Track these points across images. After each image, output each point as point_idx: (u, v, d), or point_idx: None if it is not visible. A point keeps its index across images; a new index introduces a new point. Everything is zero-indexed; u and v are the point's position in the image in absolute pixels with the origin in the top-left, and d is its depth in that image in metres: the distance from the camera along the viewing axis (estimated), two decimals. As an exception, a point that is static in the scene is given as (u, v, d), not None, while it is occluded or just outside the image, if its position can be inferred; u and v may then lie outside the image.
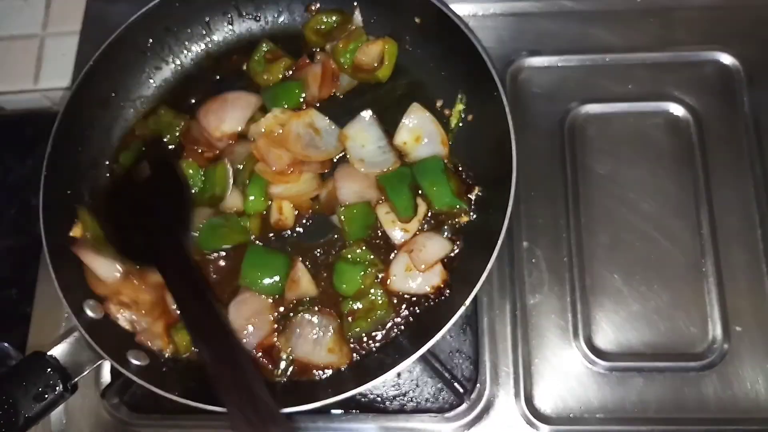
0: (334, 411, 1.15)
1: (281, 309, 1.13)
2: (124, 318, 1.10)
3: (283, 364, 1.09)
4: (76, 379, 1.03)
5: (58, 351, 1.03)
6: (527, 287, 1.20)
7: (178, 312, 1.02)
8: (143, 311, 1.11)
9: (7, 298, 1.36)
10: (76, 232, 1.18)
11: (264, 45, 1.28)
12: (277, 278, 1.11)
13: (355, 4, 1.28)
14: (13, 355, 1.24)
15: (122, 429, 1.18)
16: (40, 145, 1.41)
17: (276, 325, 1.11)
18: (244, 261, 1.13)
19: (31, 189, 1.38)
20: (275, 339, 1.10)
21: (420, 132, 1.19)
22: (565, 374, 1.15)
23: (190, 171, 1.20)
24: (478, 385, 1.14)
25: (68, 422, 1.19)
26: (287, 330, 1.08)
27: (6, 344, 1.24)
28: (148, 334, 1.10)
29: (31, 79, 1.47)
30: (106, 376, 1.21)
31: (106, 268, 1.12)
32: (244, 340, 1.09)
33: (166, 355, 1.11)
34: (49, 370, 1.00)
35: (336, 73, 1.24)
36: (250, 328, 1.09)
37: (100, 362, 1.04)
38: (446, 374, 1.14)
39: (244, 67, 1.30)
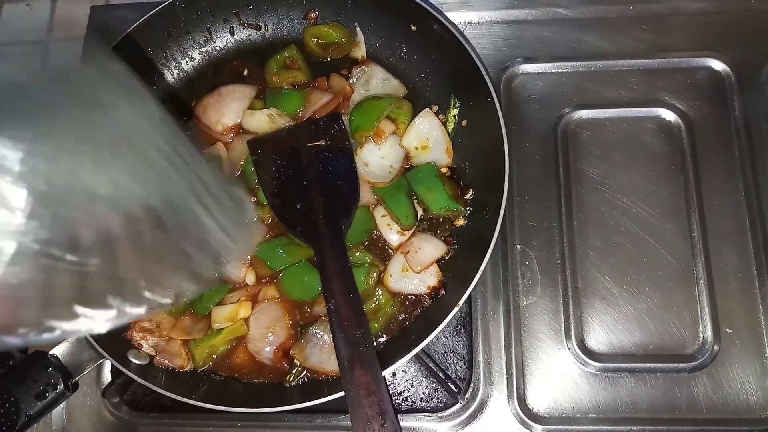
0: (330, 410, 1.16)
1: (298, 317, 1.15)
2: (147, 344, 1.12)
3: (295, 371, 1.11)
4: (77, 378, 1.05)
5: (59, 350, 1.04)
6: (521, 289, 1.23)
7: (325, 298, 1.03)
8: (165, 332, 1.13)
9: None
10: None
11: (289, 50, 1.30)
12: (313, 294, 1.14)
13: (356, 24, 1.32)
14: (15, 355, 1.25)
15: (122, 427, 1.20)
16: None
17: (293, 331, 1.13)
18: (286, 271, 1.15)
19: None
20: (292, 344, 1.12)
21: (428, 138, 1.21)
22: (558, 375, 1.17)
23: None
24: (472, 385, 1.16)
25: (69, 420, 1.22)
26: (303, 340, 1.10)
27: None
28: (167, 354, 1.12)
29: None
30: (106, 375, 1.23)
31: None
32: (265, 347, 1.11)
33: (187, 370, 1.13)
34: (50, 368, 1.02)
35: (343, 104, 1.26)
36: (270, 336, 1.12)
37: (100, 361, 1.06)
38: (441, 374, 1.16)
39: (245, 73, 1.33)
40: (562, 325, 1.20)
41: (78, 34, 1.49)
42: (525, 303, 1.22)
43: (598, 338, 1.19)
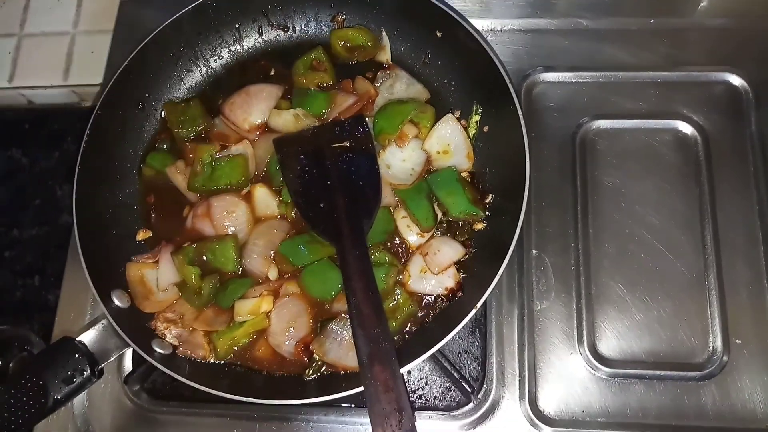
0: (345, 404, 1.20)
1: (318, 313, 1.17)
2: (171, 335, 1.15)
3: (314, 365, 1.13)
4: (102, 365, 1.08)
5: (86, 337, 1.08)
6: (535, 293, 1.25)
7: (346, 295, 1.05)
8: (188, 323, 1.16)
9: (30, 286, 1.42)
10: (141, 236, 1.25)
11: (316, 52, 1.32)
12: (333, 293, 1.16)
13: (382, 29, 1.34)
14: (35, 342, 1.29)
15: (142, 415, 1.23)
16: (67, 139, 1.52)
17: (313, 326, 1.16)
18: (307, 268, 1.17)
19: (57, 180, 1.48)
20: (312, 339, 1.14)
21: (449, 143, 1.24)
22: (569, 378, 1.20)
23: (205, 157, 1.24)
24: (484, 385, 1.19)
25: (90, 406, 1.25)
26: (323, 335, 1.13)
27: (27, 330, 1.29)
28: (190, 345, 1.14)
29: (61, 75, 1.53)
30: (128, 363, 1.26)
31: (169, 275, 1.17)
32: (286, 341, 1.13)
33: (209, 361, 1.16)
34: (77, 354, 1.05)
35: (367, 107, 1.28)
36: (291, 330, 1.14)
37: (125, 349, 1.09)
38: (455, 374, 1.18)
39: (272, 72, 1.36)
40: (575, 330, 1.22)
41: (105, 28, 1.53)
42: (539, 307, 1.24)
43: (609, 344, 1.21)
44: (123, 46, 1.48)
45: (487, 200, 1.22)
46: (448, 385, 1.21)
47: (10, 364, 1.28)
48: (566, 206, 1.30)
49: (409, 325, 1.17)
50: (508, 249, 1.07)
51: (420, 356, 1.03)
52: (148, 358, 1.08)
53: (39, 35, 1.58)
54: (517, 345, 1.21)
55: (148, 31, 1.28)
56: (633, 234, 1.27)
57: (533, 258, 1.27)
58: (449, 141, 1.24)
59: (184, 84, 1.36)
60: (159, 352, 1.11)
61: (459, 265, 1.19)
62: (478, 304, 1.04)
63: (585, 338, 1.22)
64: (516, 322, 1.23)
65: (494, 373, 1.20)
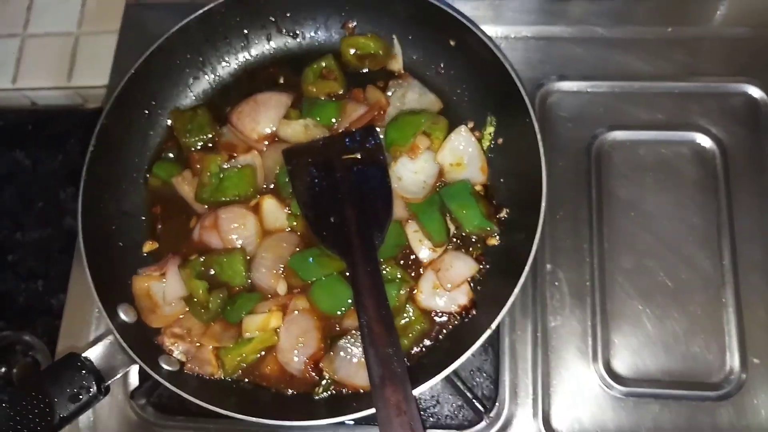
0: (355, 422, 1.17)
1: (328, 329, 1.15)
2: (178, 351, 1.13)
3: (324, 383, 1.11)
4: (109, 382, 1.06)
5: (92, 353, 1.06)
6: (549, 309, 1.23)
7: (357, 313, 1.03)
8: (195, 338, 1.14)
9: (33, 290, 1.40)
10: (147, 247, 1.23)
11: (326, 60, 1.30)
12: (343, 308, 1.14)
13: (394, 37, 1.31)
14: (38, 347, 1.29)
15: (148, 429, 1.21)
16: (70, 141, 1.50)
17: (323, 343, 1.13)
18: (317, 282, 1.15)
19: (60, 183, 1.46)
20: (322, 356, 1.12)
21: (462, 156, 1.21)
22: (583, 397, 1.17)
23: (213, 167, 1.21)
24: (497, 403, 1.17)
25: (96, 420, 1.23)
26: (333, 352, 1.11)
27: (30, 335, 1.29)
28: (198, 361, 1.12)
29: (65, 76, 1.50)
30: (134, 377, 1.24)
31: (176, 289, 1.15)
32: (295, 358, 1.11)
33: (217, 378, 1.14)
34: (84, 371, 1.04)
35: (378, 117, 1.26)
36: (300, 346, 1.12)
37: (132, 366, 1.07)
38: (467, 392, 1.16)
39: (281, 80, 1.33)
40: (589, 347, 1.20)
41: (108, 29, 1.50)
42: (553, 324, 1.22)
43: (624, 362, 1.19)
44: (129, 49, 1.45)
45: (501, 215, 1.20)
46: (459, 403, 1.19)
47: (14, 370, 1.29)
48: (581, 220, 1.27)
49: (420, 343, 1.14)
50: (524, 266, 1.05)
51: (433, 378, 1.01)
52: (156, 376, 1.06)
53: (42, 35, 1.55)
54: (530, 362, 1.19)
55: (155, 35, 1.25)
56: (649, 249, 1.24)
57: (547, 273, 1.25)
58: (462, 153, 1.22)
59: (191, 91, 1.33)
60: (166, 369, 1.09)
61: (472, 281, 1.16)
62: (493, 325, 1.02)
63: (599, 355, 1.19)
64: (529, 338, 1.21)
65: (507, 391, 1.17)
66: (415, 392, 0.99)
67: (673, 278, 1.22)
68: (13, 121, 1.54)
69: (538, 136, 1.11)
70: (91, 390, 1.03)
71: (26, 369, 1.30)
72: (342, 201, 1.15)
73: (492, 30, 1.39)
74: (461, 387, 1.16)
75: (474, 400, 1.15)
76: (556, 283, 1.24)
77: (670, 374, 1.18)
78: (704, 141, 1.30)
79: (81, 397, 1.02)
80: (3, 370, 1.29)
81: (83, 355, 1.05)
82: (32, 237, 1.44)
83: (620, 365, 1.19)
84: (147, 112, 1.29)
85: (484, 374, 1.20)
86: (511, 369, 1.19)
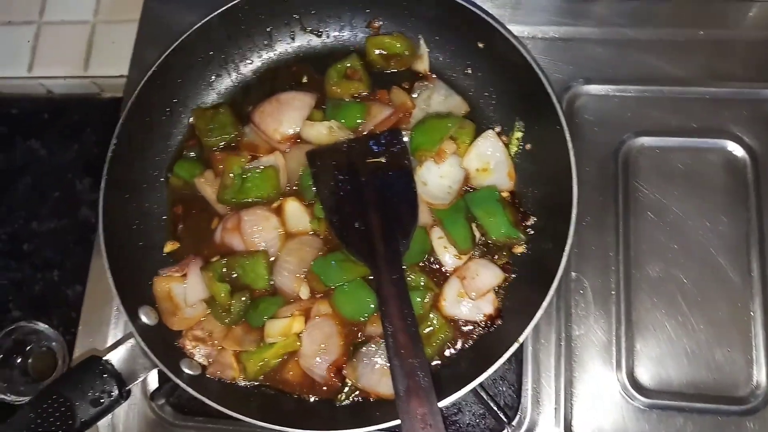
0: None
1: (351, 335, 1.13)
2: (200, 354, 1.12)
3: (346, 390, 1.10)
4: (130, 386, 1.05)
5: (114, 357, 1.05)
6: (573, 318, 1.21)
7: (382, 322, 1.01)
8: (217, 341, 1.12)
9: (48, 280, 1.39)
10: (168, 248, 1.21)
11: (351, 60, 1.27)
12: (366, 314, 1.13)
13: (420, 37, 1.28)
14: (53, 337, 1.28)
15: (167, 429, 1.21)
16: (86, 131, 1.49)
17: (345, 349, 1.12)
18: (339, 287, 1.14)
19: (76, 173, 1.46)
20: (344, 363, 1.11)
21: (489, 161, 1.19)
22: (606, 408, 1.16)
23: (235, 168, 1.20)
24: (519, 412, 1.16)
25: (114, 419, 1.22)
26: (355, 359, 1.09)
27: (46, 326, 1.28)
28: (219, 365, 1.11)
29: (81, 65, 1.49)
30: (153, 377, 1.23)
31: (198, 291, 1.14)
32: (317, 364, 1.10)
33: (238, 383, 1.12)
34: (105, 375, 1.03)
35: (403, 119, 1.24)
36: (323, 352, 1.10)
37: (153, 369, 1.06)
38: (489, 401, 1.15)
39: (304, 79, 1.31)
40: (613, 357, 1.18)
41: (125, 17, 1.48)
42: (577, 332, 1.20)
43: (648, 373, 1.17)
44: (148, 41, 1.43)
45: (529, 222, 1.17)
46: (482, 411, 1.17)
47: (29, 360, 1.29)
48: (607, 227, 1.25)
49: (444, 352, 1.13)
50: (553, 277, 1.03)
51: (459, 391, 0.99)
52: (178, 381, 1.05)
53: (58, 23, 1.54)
54: (553, 371, 1.18)
55: (174, 27, 1.24)
56: (676, 258, 1.22)
57: (572, 280, 1.23)
58: (489, 158, 1.19)
59: (213, 89, 1.31)
60: (188, 373, 1.08)
61: (497, 289, 1.15)
62: (521, 338, 1.00)
63: (623, 366, 1.18)
64: (553, 347, 1.19)
65: (529, 400, 1.16)
66: (441, 404, 0.98)
67: (700, 288, 1.20)
68: (29, 110, 1.53)
69: (569, 143, 1.09)
70: (113, 394, 1.02)
71: (42, 359, 1.30)
72: (366, 206, 1.13)
73: (516, 29, 1.35)
74: (483, 396, 1.15)
75: (496, 408, 1.14)
76: (581, 291, 1.22)
77: (695, 387, 1.16)
78: (735, 149, 1.27)
79: (102, 401, 1.01)
80: (19, 360, 1.29)
81: (104, 358, 1.04)
82: (48, 227, 1.44)
83: (644, 376, 1.17)
84: (168, 110, 1.27)
85: (507, 383, 1.19)
86: (534, 378, 1.17)
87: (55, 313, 1.35)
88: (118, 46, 1.47)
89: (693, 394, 1.15)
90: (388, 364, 0.99)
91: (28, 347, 1.30)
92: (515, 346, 1.00)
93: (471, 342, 1.13)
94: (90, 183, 1.44)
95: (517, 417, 1.15)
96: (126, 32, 1.46)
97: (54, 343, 1.29)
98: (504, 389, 1.19)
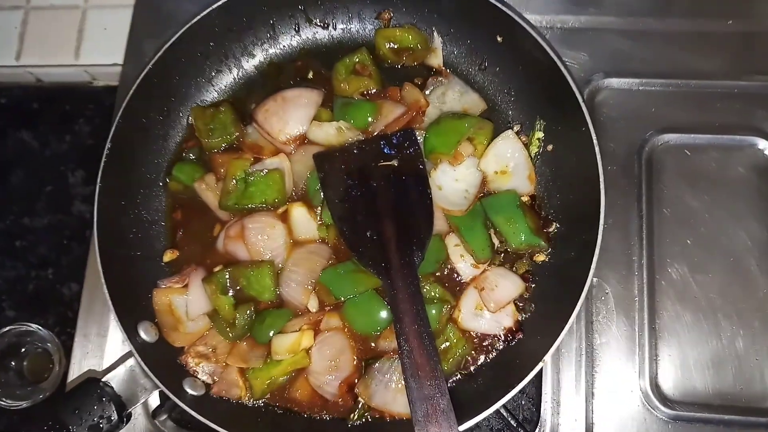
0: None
1: (363, 350, 1.08)
2: (203, 372, 1.07)
3: (359, 409, 1.05)
4: (130, 409, 0.99)
5: (114, 378, 0.99)
6: (595, 326, 1.16)
7: (397, 340, 0.96)
8: (221, 358, 1.07)
9: (43, 279, 1.35)
10: (168, 257, 1.16)
11: (360, 54, 1.20)
12: (378, 328, 1.07)
13: (434, 29, 1.22)
14: (48, 339, 1.24)
15: (168, 444, 1.16)
16: (79, 121, 1.44)
17: (357, 365, 1.07)
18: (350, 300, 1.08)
19: (69, 166, 1.40)
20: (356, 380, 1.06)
21: (508, 163, 1.13)
22: (629, 420, 1.12)
23: (238, 172, 1.14)
24: (538, 427, 1.11)
25: (114, 435, 1.17)
26: (368, 376, 1.04)
27: (40, 327, 1.23)
28: (224, 384, 1.06)
29: (72, 53, 1.42)
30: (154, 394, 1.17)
31: (200, 304, 1.08)
32: (327, 381, 1.05)
33: (244, 402, 1.07)
34: (104, 398, 0.97)
35: (416, 119, 1.17)
36: (333, 369, 1.05)
37: (155, 391, 1.00)
38: (508, 417, 1.09)
39: (309, 75, 1.24)
40: (636, 366, 1.14)
41: (117, 2, 1.42)
42: (598, 342, 1.16)
43: (673, 383, 1.13)
44: (144, 27, 1.36)
45: (551, 229, 1.11)
46: (500, 426, 1.12)
47: (24, 363, 1.26)
48: (630, 229, 1.20)
49: (461, 368, 1.08)
50: (579, 290, 0.99)
51: (479, 414, 0.95)
52: (181, 404, 0.99)
53: (47, 8, 1.46)
54: (574, 383, 1.14)
55: (171, 11, 1.19)
56: (702, 262, 1.18)
57: (593, 286, 1.18)
58: (508, 160, 1.13)
59: (213, 86, 1.24)
60: (191, 394, 1.02)
61: (517, 301, 1.09)
62: (546, 357, 0.94)
63: (647, 376, 1.14)
64: (574, 357, 1.15)
65: (549, 413, 1.12)
66: (461, 429, 0.92)
67: (729, 295, 1.16)
68: (19, 98, 1.48)
69: (596, 146, 1.04)
70: (112, 419, 0.97)
71: (38, 361, 1.26)
72: (379, 214, 1.07)
73: (532, 18, 1.29)
74: (502, 411, 1.09)
75: (514, 423, 1.09)
76: (603, 298, 1.17)
77: (721, 397, 1.12)
78: (766, 147, 1.22)
79: (101, 426, 0.96)
80: (14, 363, 1.25)
81: (103, 380, 0.98)
82: (41, 223, 1.39)
83: (669, 387, 1.13)
84: (166, 109, 1.20)
85: (526, 396, 1.14)
86: (554, 389, 1.13)
87: (50, 313, 1.31)
88: (110, 33, 1.41)
89: (720, 406, 1.12)
90: (404, 383, 0.94)
91: (23, 349, 1.26)
92: (539, 365, 0.95)
93: (490, 357, 1.07)
94: (84, 176, 1.40)
95: (538, 429, 1.10)
96: (119, 18, 1.40)
97: (49, 345, 1.25)
98: (523, 402, 1.14)
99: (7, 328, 1.22)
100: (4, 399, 1.18)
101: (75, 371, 1.18)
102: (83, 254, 1.27)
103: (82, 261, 1.26)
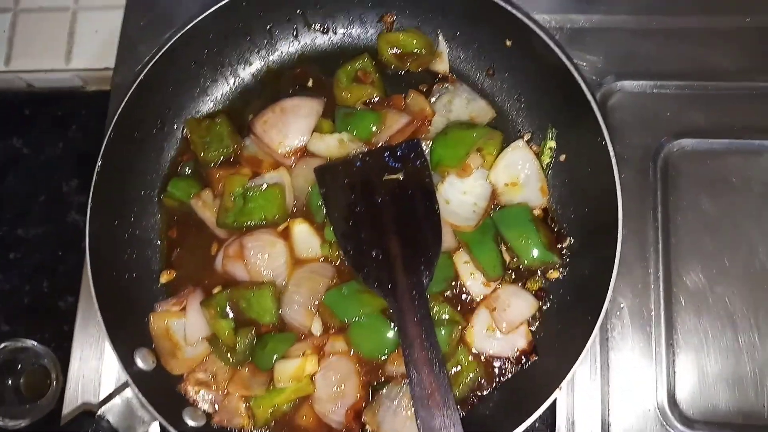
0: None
1: (370, 375, 1.05)
2: (204, 401, 1.03)
3: None
4: (127, 444, 0.96)
5: (109, 411, 0.96)
6: (610, 342, 1.13)
7: (406, 367, 0.93)
8: (222, 385, 1.03)
9: (38, 291, 1.32)
10: (165, 278, 1.12)
11: (362, 60, 1.16)
12: (386, 351, 1.03)
13: (439, 33, 1.18)
14: (44, 354, 1.20)
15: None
16: (71, 127, 1.41)
17: (365, 391, 1.03)
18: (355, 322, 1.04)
19: (62, 174, 1.37)
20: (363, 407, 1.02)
21: (518, 175, 1.09)
22: (646, 440, 1.08)
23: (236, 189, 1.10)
24: (553, 446, 1.07)
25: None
26: (375, 402, 1.00)
27: (36, 343, 1.19)
28: (226, 413, 1.03)
29: (63, 57, 1.39)
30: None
31: (199, 328, 1.04)
32: (333, 409, 1.01)
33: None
34: (99, 433, 0.93)
35: (422, 128, 1.13)
36: (339, 396, 1.02)
37: (153, 423, 0.97)
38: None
39: (309, 83, 1.20)
40: (654, 384, 1.11)
41: (108, 3, 1.38)
42: (614, 358, 1.12)
43: (691, 401, 1.10)
44: (136, 30, 1.31)
45: (565, 244, 1.07)
46: (513, 450, 1.08)
47: (21, 380, 1.22)
48: (645, 240, 1.16)
49: (473, 393, 1.04)
50: (597, 308, 0.95)
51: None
52: (179, 436, 0.95)
53: (36, 10, 1.43)
54: (589, 401, 1.09)
55: (164, 12, 1.16)
56: (723, 274, 1.14)
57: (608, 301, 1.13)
58: (519, 171, 1.09)
59: (209, 96, 1.20)
60: (191, 426, 0.98)
61: (531, 321, 1.05)
62: (563, 384, 0.90)
63: (665, 394, 1.10)
64: (588, 374, 1.10)
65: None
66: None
67: (750, 308, 1.13)
68: (9, 103, 1.44)
69: (612, 156, 0.99)
70: (109, 455, 0.92)
71: (35, 378, 1.23)
72: (384, 231, 1.03)
73: (541, 18, 1.24)
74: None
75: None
76: (618, 313, 1.14)
77: (743, 416, 1.09)
78: (789, 151, 1.18)
79: (97, 464, 0.92)
80: (10, 382, 1.22)
81: (98, 413, 0.95)
82: (35, 233, 1.36)
83: (688, 405, 1.10)
84: (159, 122, 1.17)
85: (539, 417, 1.10)
86: (569, 410, 1.09)
87: (46, 327, 1.27)
88: (102, 36, 1.37)
89: (741, 424, 1.09)
90: (413, 411, 0.91)
91: (19, 366, 1.22)
92: (556, 392, 0.90)
93: (503, 381, 1.03)
94: (78, 184, 1.36)
95: (551, 451, 1.07)
96: (110, 20, 1.36)
97: (45, 360, 1.22)
98: (537, 424, 1.09)
99: (2, 345, 1.18)
100: (2, 418, 1.15)
101: (70, 396, 1.13)
102: (79, 266, 1.21)
103: (78, 273, 1.22)
